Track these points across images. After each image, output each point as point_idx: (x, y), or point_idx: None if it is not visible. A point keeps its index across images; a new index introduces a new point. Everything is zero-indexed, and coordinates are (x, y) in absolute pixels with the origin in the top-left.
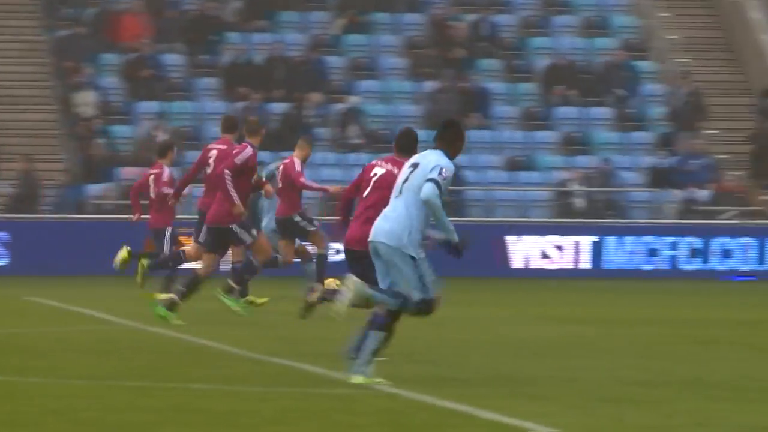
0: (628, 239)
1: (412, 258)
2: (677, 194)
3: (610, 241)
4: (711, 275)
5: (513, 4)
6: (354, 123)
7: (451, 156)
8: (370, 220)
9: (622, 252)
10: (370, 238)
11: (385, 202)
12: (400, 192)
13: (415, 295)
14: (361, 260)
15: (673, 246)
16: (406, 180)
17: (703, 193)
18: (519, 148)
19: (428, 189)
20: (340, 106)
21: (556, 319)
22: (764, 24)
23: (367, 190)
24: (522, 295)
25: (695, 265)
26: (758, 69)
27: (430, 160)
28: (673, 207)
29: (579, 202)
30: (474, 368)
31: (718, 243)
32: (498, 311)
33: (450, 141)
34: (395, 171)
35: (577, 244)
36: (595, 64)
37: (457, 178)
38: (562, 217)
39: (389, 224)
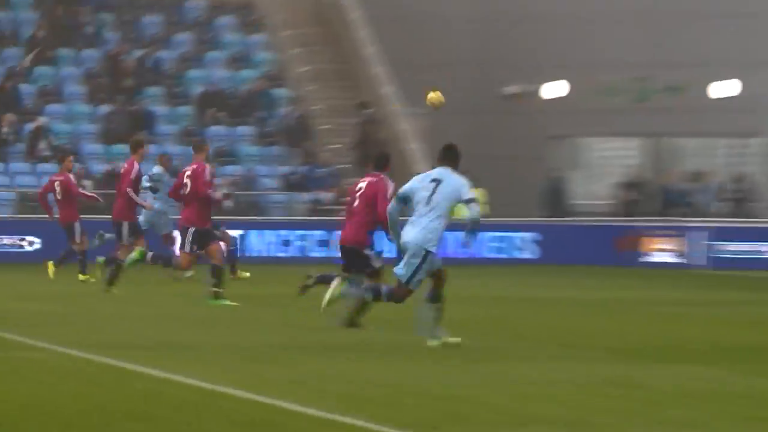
0: (268, 232)
1: (429, 252)
2: (306, 196)
3: (253, 234)
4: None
5: (173, 42)
6: (43, 139)
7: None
8: (359, 223)
9: (262, 243)
10: (403, 239)
11: (368, 209)
12: (428, 203)
13: (402, 275)
14: (349, 253)
15: (303, 237)
16: (433, 193)
17: (327, 195)
18: (179, 159)
19: (474, 209)
20: (31, 125)
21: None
22: (376, 58)
23: (356, 202)
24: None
25: (321, 253)
26: (370, 94)
27: (454, 178)
28: (303, 206)
29: (227, 204)
30: (146, 336)
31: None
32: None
33: (454, 159)
34: (373, 181)
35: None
36: (240, 91)
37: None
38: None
39: (417, 229)
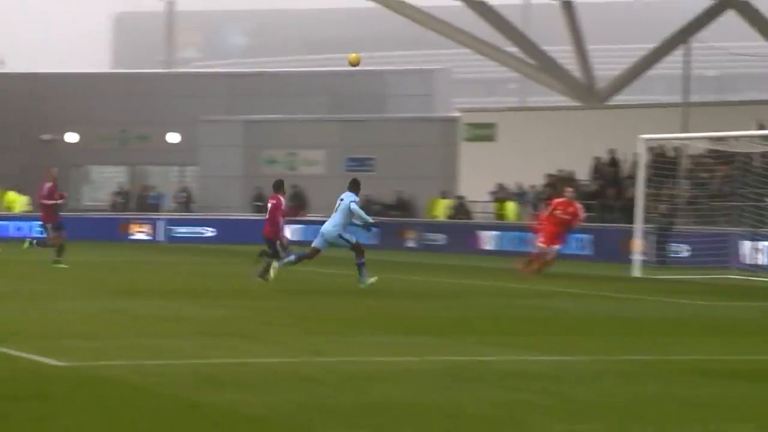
0: None
1: (341, 236)
2: None
3: None
4: None
5: None
6: None
7: (357, 194)
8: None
9: None
10: (321, 230)
11: (276, 220)
12: (336, 210)
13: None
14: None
15: None
16: (338, 205)
17: None
18: None
19: (354, 206)
20: None
21: None
22: None
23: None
24: None
25: None
26: None
27: (348, 195)
28: None
29: None
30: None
31: None
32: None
33: (356, 187)
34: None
35: None
36: None
37: None
38: None
39: (330, 224)
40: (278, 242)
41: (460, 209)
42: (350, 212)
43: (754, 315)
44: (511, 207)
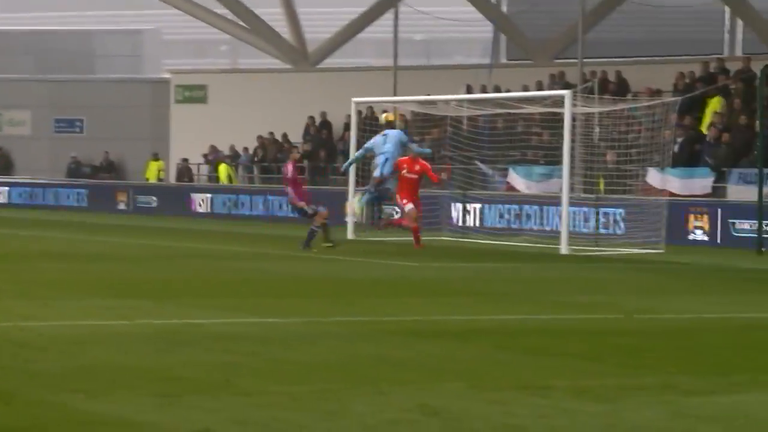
0: None
1: None
2: None
3: None
4: None
5: None
6: None
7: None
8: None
9: None
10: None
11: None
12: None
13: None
14: None
15: None
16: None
17: None
18: None
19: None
20: None
21: None
22: None
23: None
24: None
25: None
26: None
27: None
28: None
29: None
30: None
31: None
32: None
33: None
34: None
35: None
36: None
37: None
38: None
39: None
40: None
41: (186, 172)
42: None
43: (463, 275)
44: (223, 169)
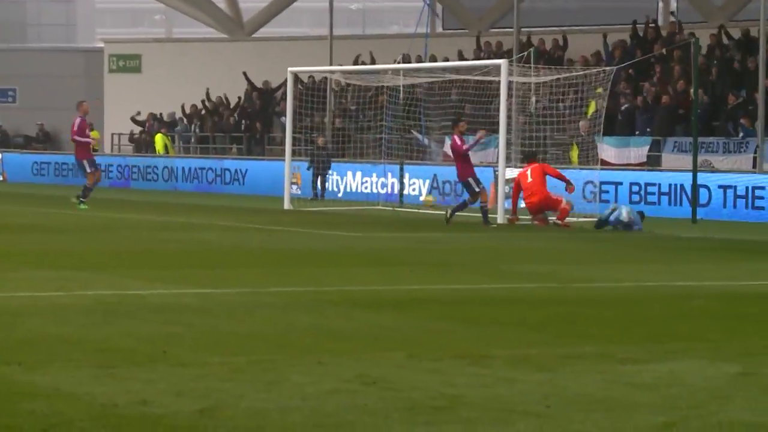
0: None
1: None
2: None
3: None
4: None
5: None
6: None
7: None
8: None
9: None
10: None
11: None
12: None
13: None
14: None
15: None
16: None
17: None
18: None
19: None
20: None
21: None
22: None
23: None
24: None
25: None
26: None
27: None
28: None
29: None
30: None
31: None
32: None
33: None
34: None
35: None
36: None
37: None
38: None
39: None
40: None
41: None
42: None
43: (403, 245)
44: (159, 139)
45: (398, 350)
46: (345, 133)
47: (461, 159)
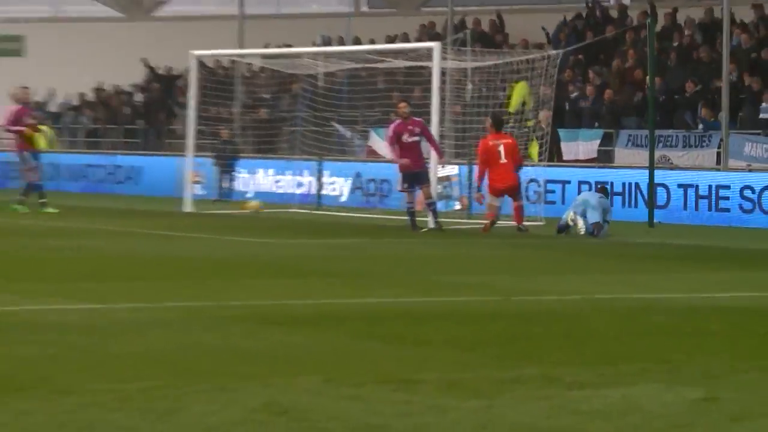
0: None
1: None
2: None
3: None
4: None
5: None
6: None
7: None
8: None
9: None
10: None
11: None
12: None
13: None
14: None
15: None
16: None
17: None
18: None
19: None
20: None
21: None
22: None
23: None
24: None
25: None
26: None
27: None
28: None
29: None
30: None
31: None
32: None
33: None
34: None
35: None
36: None
37: None
38: None
39: None
40: None
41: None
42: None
43: (318, 253)
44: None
45: (313, 374)
46: (255, 126)
47: (404, 148)
